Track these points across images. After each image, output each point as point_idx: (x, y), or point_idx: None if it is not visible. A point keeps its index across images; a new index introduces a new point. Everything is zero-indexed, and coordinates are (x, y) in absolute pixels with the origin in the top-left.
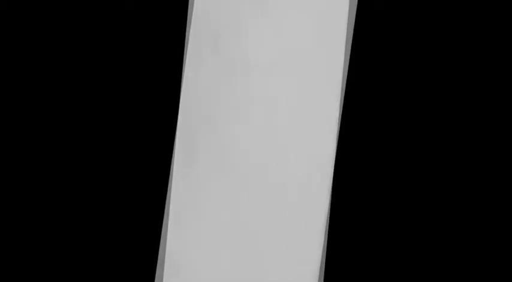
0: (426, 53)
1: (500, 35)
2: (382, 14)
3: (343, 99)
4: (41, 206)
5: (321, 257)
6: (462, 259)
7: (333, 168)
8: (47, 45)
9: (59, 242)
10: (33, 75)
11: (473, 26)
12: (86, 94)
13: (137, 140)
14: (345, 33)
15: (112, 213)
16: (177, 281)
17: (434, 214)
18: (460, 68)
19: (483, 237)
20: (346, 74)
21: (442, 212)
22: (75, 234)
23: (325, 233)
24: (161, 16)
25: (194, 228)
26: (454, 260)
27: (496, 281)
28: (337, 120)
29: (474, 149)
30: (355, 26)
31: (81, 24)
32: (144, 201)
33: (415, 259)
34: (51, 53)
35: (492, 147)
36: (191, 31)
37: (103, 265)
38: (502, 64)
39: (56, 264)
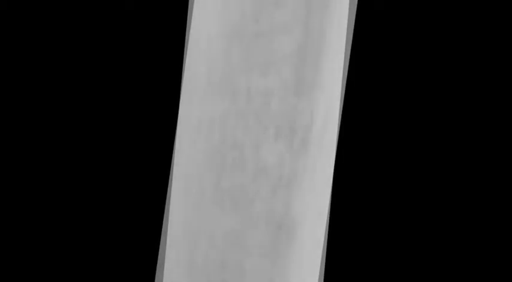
0: (426, 53)
1: (500, 35)
2: (382, 14)
3: (343, 99)
4: (39, 208)
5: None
6: (462, 259)
7: (333, 168)
8: (47, 45)
9: (57, 242)
10: (33, 75)
11: (473, 26)
12: (85, 94)
13: (137, 139)
14: (345, 34)
15: (110, 215)
16: None
17: (434, 214)
18: (459, 68)
19: (483, 237)
20: (346, 74)
21: (442, 212)
22: (72, 235)
23: (325, 233)
24: (161, 16)
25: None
26: (454, 260)
27: (496, 281)
28: (338, 120)
29: (473, 149)
30: (355, 26)
31: (81, 24)
32: (143, 202)
33: (415, 259)
34: (51, 53)
35: (492, 147)
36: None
37: (101, 266)
38: (502, 64)
39: (54, 264)
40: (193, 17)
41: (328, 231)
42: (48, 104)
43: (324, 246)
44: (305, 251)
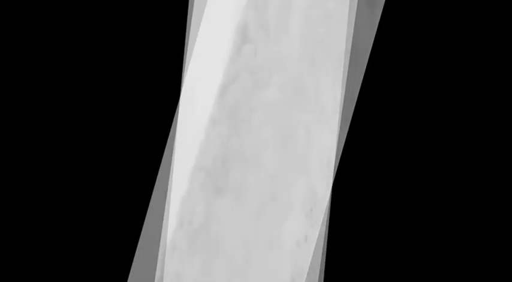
0: (429, 54)
1: (502, 35)
2: (384, 13)
3: (342, 100)
4: (35, 209)
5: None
6: (462, 259)
7: (333, 168)
8: (47, 45)
9: (54, 242)
10: (33, 75)
11: (474, 27)
12: (85, 94)
13: (136, 140)
14: (345, 34)
15: (107, 216)
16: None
17: (434, 215)
18: (459, 70)
19: (483, 237)
20: (346, 74)
21: (442, 213)
22: (68, 235)
23: (325, 233)
24: (161, 16)
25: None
26: (454, 260)
27: (496, 281)
28: (338, 121)
29: (472, 151)
30: (355, 27)
31: (81, 24)
32: (142, 204)
33: (415, 259)
34: (51, 53)
35: (492, 147)
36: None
37: (97, 266)
38: (503, 64)
39: (50, 264)
40: None
41: (328, 232)
42: (48, 103)
43: (324, 246)
44: None
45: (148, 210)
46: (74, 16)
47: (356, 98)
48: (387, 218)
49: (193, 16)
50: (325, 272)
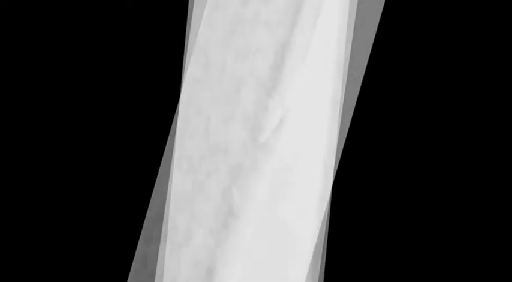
0: (429, 54)
1: (502, 35)
2: (383, 13)
3: (342, 99)
4: (36, 209)
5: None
6: (462, 259)
7: (333, 168)
8: (47, 45)
9: (53, 243)
10: (33, 75)
11: (473, 28)
12: (85, 94)
13: (136, 140)
14: (345, 33)
15: (107, 217)
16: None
17: (434, 216)
18: (458, 71)
19: (483, 237)
20: (346, 74)
21: (442, 213)
22: (67, 236)
23: (325, 233)
24: (161, 16)
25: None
26: (454, 260)
27: (496, 281)
28: (338, 121)
29: (472, 151)
30: (356, 24)
31: (81, 24)
32: (142, 204)
33: (415, 259)
34: (51, 53)
35: (492, 147)
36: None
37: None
38: (502, 64)
39: (49, 264)
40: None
41: (328, 232)
42: (48, 103)
43: (323, 247)
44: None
45: (148, 210)
46: (74, 16)
47: (356, 97)
48: (387, 218)
49: (193, 16)
50: (325, 272)
